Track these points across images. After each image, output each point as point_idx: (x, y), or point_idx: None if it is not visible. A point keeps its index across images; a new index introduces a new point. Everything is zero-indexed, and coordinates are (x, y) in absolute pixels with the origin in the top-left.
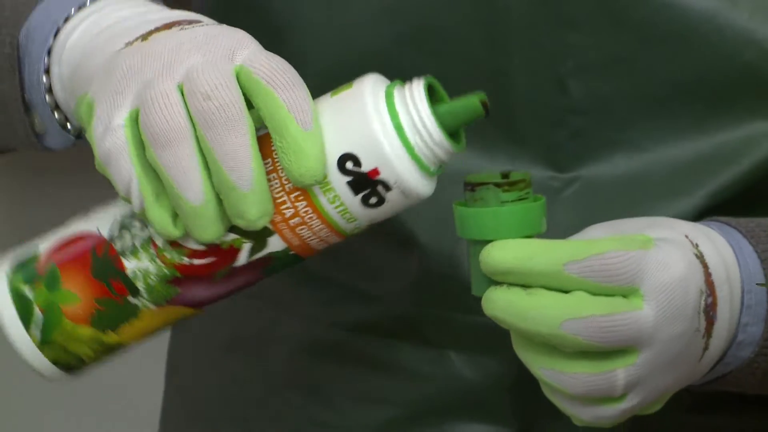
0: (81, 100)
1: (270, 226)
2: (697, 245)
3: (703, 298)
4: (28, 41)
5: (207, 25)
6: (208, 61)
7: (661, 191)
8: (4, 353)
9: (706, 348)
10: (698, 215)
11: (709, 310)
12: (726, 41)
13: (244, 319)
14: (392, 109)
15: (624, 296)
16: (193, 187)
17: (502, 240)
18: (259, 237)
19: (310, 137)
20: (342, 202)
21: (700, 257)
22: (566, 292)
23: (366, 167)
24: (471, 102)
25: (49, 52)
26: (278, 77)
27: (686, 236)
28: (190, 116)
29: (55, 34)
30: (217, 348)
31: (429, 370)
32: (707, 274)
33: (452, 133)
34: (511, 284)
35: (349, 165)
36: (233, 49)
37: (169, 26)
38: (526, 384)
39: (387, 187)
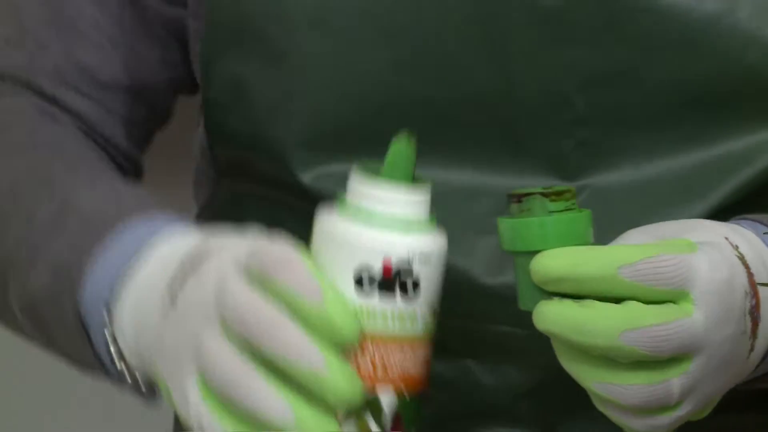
0: (157, 381)
1: (367, 392)
2: (737, 246)
3: (748, 299)
4: (87, 315)
5: (213, 245)
6: (226, 281)
7: (670, 196)
8: (4, 353)
9: (751, 349)
10: (710, 219)
11: (754, 311)
12: (728, 45)
13: None
14: (351, 209)
15: (674, 301)
16: (279, 405)
17: (555, 248)
18: (372, 408)
19: (329, 304)
20: (392, 311)
21: (742, 259)
22: (616, 301)
23: (378, 269)
24: (398, 147)
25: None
26: (275, 263)
27: (726, 238)
28: (245, 345)
29: (107, 308)
30: None
31: (449, 378)
32: (749, 275)
33: (411, 178)
34: (563, 296)
35: (365, 280)
36: (238, 256)
37: (184, 272)
38: (547, 389)
39: (408, 266)
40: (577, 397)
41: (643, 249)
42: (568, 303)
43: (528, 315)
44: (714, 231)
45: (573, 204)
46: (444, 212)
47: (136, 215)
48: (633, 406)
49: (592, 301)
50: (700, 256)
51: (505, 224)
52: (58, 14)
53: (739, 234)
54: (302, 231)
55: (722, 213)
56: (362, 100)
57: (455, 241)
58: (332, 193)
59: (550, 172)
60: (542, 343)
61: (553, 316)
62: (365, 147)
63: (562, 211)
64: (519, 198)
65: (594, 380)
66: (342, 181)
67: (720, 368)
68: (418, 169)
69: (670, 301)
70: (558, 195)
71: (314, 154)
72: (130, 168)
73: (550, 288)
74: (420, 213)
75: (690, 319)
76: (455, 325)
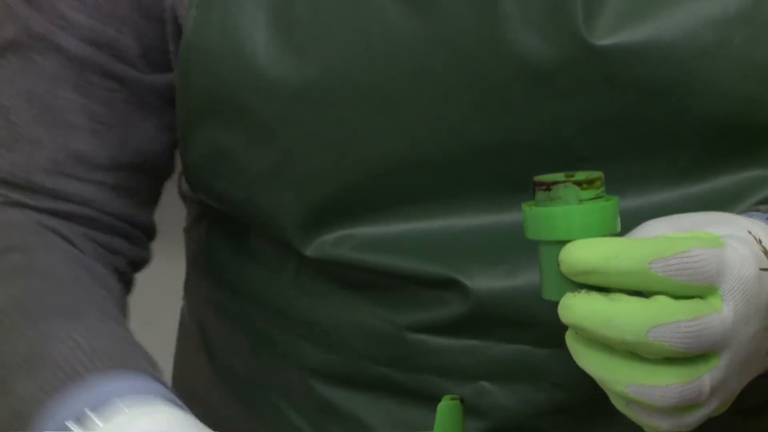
0: None
1: None
2: (760, 240)
3: None
4: None
5: None
6: None
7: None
8: None
9: None
10: None
11: None
12: (725, 76)
13: (267, 346)
14: None
15: (702, 297)
16: None
17: (586, 239)
18: None
19: None
20: None
21: (766, 253)
22: (641, 294)
23: None
24: (444, 409)
25: None
26: None
27: (749, 232)
28: None
29: None
30: (238, 373)
31: (468, 399)
32: None
33: None
34: (590, 289)
35: None
36: None
37: None
38: (569, 407)
39: None
40: (600, 412)
41: (675, 243)
42: (596, 296)
43: (547, 334)
44: (737, 224)
45: (603, 191)
46: (452, 248)
47: (99, 372)
48: (666, 407)
49: (620, 294)
50: (730, 252)
51: (532, 212)
52: (46, 109)
53: (761, 228)
54: (294, 285)
55: None
56: (358, 167)
57: (466, 270)
58: (331, 258)
59: None
60: (563, 361)
61: (580, 310)
62: (364, 212)
63: (592, 199)
64: (548, 186)
65: (627, 384)
66: (340, 245)
67: (745, 364)
68: (418, 219)
69: (699, 296)
70: (589, 183)
71: (313, 226)
72: (142, 235)
73: (579, 279)
74: None
75: (719, 315)
76: (467, 345)
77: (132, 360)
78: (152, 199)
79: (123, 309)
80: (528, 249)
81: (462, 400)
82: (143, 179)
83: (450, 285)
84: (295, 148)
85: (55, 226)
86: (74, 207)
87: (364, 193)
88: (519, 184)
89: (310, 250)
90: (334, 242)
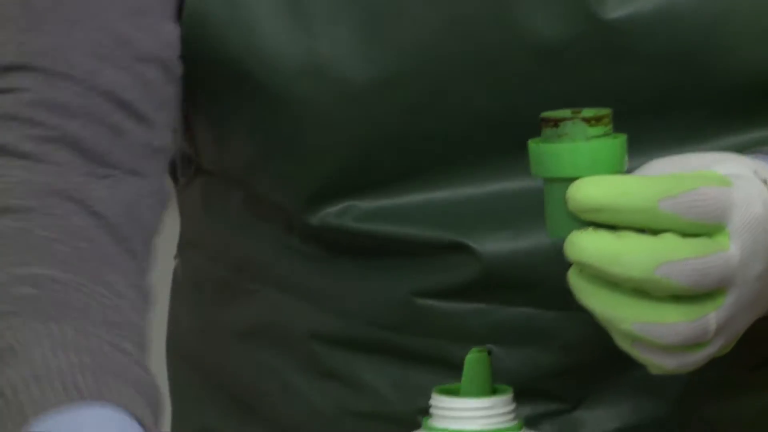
0: None
1: None
2: (765, 181)
3: None
4: None
5: None
6: None
7: None
8: None
9: None
10: None
11: None
12: (731, 45)
13: (269, 309)
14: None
15: (709, 235)
16: None
17: (595, 176)
18: None
19: None
20: None
21: None
22: (648, 232)
23: None
24: (472, 361)
25: None
26: None
27: (755, 172)
28: None
29: None
30: (237, 335)
31: None
32: None
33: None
34: (597, 227)
35: None
36: None
37: None
38: (575, 369)
39: None
40: (606, 373)
41: (684, 181)
42: (603, 234)
43: (554, 296)
44: (742, 164)
45: (610, 129)
46: (458, 214)
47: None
48: (671, 345)
49: (628, 232)
50: (737, 191)
51: (538, 149)
52: None
53: (765, 168)
54: (281, 257)
55: None
56: (363, 141)
57: (473, 234)
58: (333, 227)
59: None
60: (570, 323)
61: (588, 246)
62: (369, 184)
63: (600, 136)
64: (555, 122)
65: (632, 321)
66: (344, 215)
67: (751, 303)
68: (423, 189)
69: (706, 235)
70: (597, 120)
71: (317, 199)
72: (164, 156)
73: (587, 217)
74: (506, 421)
75: (726, 253)
76: (475, 308)
77: (103, 386)
78: (170, 124)
79: (135, 289)
80: (535, 212)
81: (490, 352)
82: (168, 88)
83: (458, 249)
84: (300, 123)
85: (78, 185)
86: (103, 105)
87: (368, 166)
88: (525, 155)
89: (314, 220)
90: (338, 213)
